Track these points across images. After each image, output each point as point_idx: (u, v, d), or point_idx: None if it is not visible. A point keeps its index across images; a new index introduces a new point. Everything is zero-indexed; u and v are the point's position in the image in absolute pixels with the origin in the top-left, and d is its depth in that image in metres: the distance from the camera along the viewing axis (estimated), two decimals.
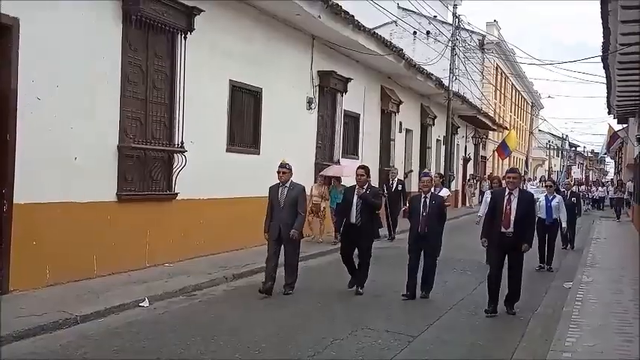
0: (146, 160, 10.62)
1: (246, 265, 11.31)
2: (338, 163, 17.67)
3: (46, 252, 8.69)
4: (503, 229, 8.62)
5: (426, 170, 10.83)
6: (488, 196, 13.05)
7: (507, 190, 8.79)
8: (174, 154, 11.11)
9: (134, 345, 6.72)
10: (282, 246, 9.49)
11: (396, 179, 17.93)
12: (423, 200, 9.67)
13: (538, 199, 13.14)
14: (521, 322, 8.32)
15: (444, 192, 13.66)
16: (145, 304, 8.43)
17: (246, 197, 12.86)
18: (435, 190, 13.60)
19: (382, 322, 8.00)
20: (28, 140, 8.35)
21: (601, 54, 14.86)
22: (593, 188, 43.19)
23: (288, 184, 9.48)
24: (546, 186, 14.69)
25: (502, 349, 7.13)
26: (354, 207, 9.76)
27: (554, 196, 13.72)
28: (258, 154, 13.96)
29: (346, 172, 15.47)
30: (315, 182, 15.42)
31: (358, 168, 10.20)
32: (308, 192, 13.35)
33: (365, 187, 9.88)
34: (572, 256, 15.37)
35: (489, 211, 9.12)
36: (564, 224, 13.80)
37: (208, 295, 9.44)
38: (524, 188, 31.44)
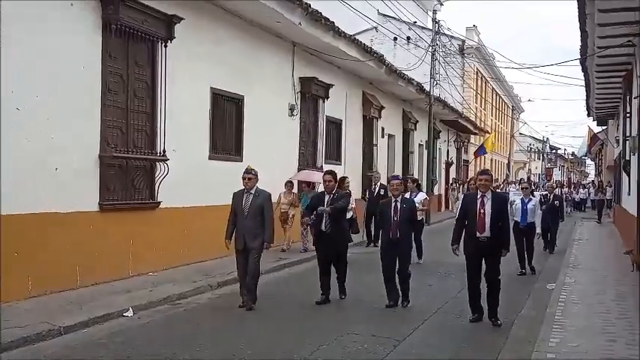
0: (128, 169, 10.58)
1: (231, 273, 11.21)
2: (320, 169, 17.68)
3: (29, 263, 8.62)
4: (477, 234, 8.26)
5: (395, 173, 10.44)
6: (461, 197, 13.13)
7: (480, 193, 8.41)
8: (157, 163, 11.08)
9: (118, 355, 6.67)
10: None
11: (378, 183, 17.55)
12: (393, 204, 9.29)
13: (514, 201, 13.23)
14: (506, 324, 8.36)
15: (421, 196, 13.84)
16: (129, 313, 8.38)
17: (229, 205, 12.79)
18: (411, 195, 13.43)
19: (367, 327, 8.00)
20: (8, 151, 8.28)
21: (579, 57, 15.01)
22: (574, 190, 43.29)
23: (253, 191, 9.06)
24: (522, 188, 14.32)
25: (487, 351, 7.16)
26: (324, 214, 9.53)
27: (530, 199, 13.36)
28: (241, 161, 13.91)
29: (316, 177, 15.29)
30: (285, 188, 14.79)
31: (325, 174, 9.95)
32: (275, 199, 13.35)
33: (333, 192, 9.65)
34: (554, 257, 15.44)
35: (460, 215, 8.79)
36: (538, 229, 13.33)
37: (193, 303, 9.41)
38: (507, 191, 31.51)
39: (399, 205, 9.26)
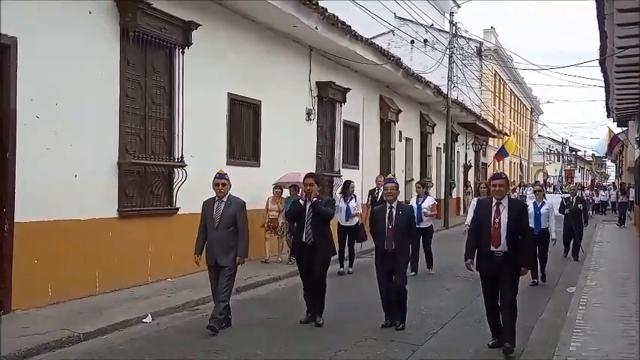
0: (146, 176, 10.63)
1: (249, 278, 11.29)
2: (338, 173, 17.66)
3: (48, 270, 8.69)
4: (492, 248, 7.09)
5: (390, 176, 10.15)
6: (475, 203, 11.94)
7: (494, 200, 7.25)
8: (175, 169, 11.13)
9: None
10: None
11: (382, 188, 16.87)
12: (388, 211, 8.32)
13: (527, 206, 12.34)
14: (526, 328, 8.29)
15: (429, 201, 13.23)
16: (148, 319, 8.42)
17: (248, 210, 12.81)
18: (418, 200, 13.19)
19: (386, 332, 7.97)
20: (27, 159, 8.37)
21: (599, 57, 14.89)
22: (595, 192, 42.64)
23: (225, 199, 8.10)
24: (535, 191, 13.33)
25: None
26: (304, 222, 8.43)
27: (544, 203, 12.34)
28: (259, 166, 13.97)
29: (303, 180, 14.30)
30: (273, 193, 13.71)
31: (305, 177, 8.63)
32: (263, 206, 13.38)
33: (316, 199, 8.48)
34: (575, 260, 15.26)
35: (473, 226, 7.70)
36: (554, 235, 12.25)
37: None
38: (524, 194, 31.06)
39: (394, 211, 8.31)
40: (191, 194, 11.30)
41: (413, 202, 13.10)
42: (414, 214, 9.21)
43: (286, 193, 13.78)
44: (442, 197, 28.02)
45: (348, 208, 12.96)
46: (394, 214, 8.29)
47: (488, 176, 42.28)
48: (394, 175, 21.82)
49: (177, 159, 11.14)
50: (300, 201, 8.57)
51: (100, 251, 9.61)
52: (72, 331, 7.49)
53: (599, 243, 18.61)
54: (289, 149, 15.12)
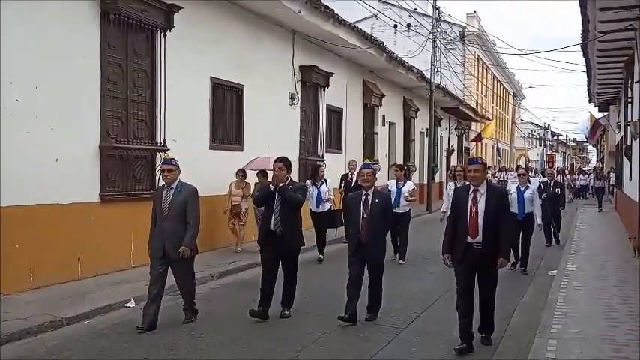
0: (128, 160, 10.56)
1: (232, 263, 11.31)
2: (322, 158, 17.64)
3: (30, 255, 8.63)
4: (469, 239, 6.60)
5: (367, 161, 9.28)
6: (451, 188, 11.82)
7: (472, 188, 6.74)
8: (157, 153, 11.06)
9: (120, 346, 6.68)
10: (170, 267, 7.56)
11: (355, 172, 14.52)
12: (363, 199, 7.78)
13: (509, 191, 11.55)
14: (507, 310, 8.36)
15: (409, 186, 12.62)
16: (131, 304, 8.40)
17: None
18: (398, 184, 12.57)
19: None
20: (8, 143, 8.28)
21: (580, 42, 14.96)
22: (576, 177, 42.85)
23: (174, 186, 7.46)
24: (519, 175, 12.75)
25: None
26: (273, 209, 7.89)
27: (527, 187, 11.72)
28: (242, 150, 13.92)
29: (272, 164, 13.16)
30: (236, 178, 12.83)
31: (275, 161, 8.08)
32: (226, 190, 12.72)
33: (284, 184, 7.93)
34: (555, 244, 15.38)
35: (451, 215, 7.02)
36: (539, 221, 11.75)
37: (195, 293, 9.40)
38: (505, 179, 31.11)
39: (369, 199, 7.76)
40: None
41: (392, 186, 12.62)
42: (391, 203, 8.58)
43: (254, 179, 12.91)
44: (425, 182, 28.14)
45: (319, 194, 12.52)
46: (370, 202, 7.74)
47: None
48: (377, 160, 21.95)
49: (160, 143, 11.07)
50: (271, 186, 8.00)
51: (82, 236, 9.55)
52: (54, 315, 7.46)
53: (580, 227, 18.78)
54: (272, 134, 15.07)
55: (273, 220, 7.82)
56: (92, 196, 9.87)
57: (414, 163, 28.07)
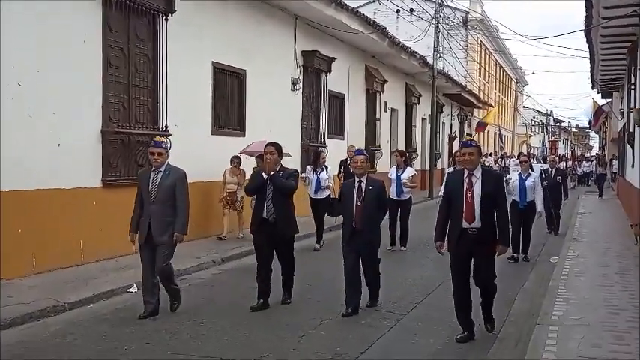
0: (130, 145, 10.55)
1: (234, 248, 11.32)
2: (324, 144, 17.59)
3: (32, 240, 8.65)
4: (465, 225, 6.39)
5: (359, 148, 9.40)
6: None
7: (466, 172, 6.51)
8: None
9: (123, 331, 6.70)
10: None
11: None
12: (357, 186, 7.61)
13: (510, 178, 11.57)
14: (508, 297, 8.38)
15: (409, 172, 12.44)
16: (134, 289, 8.41)
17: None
18: (398, 171, 12.38)
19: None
20: (10, 127, 8.26)
21: (584, 28, 14.89)
22: (578, 164, 42.60)
23: (163, 169, 7.21)
24: (520, 162, 12.36)
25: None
26: (266, 197, 7.68)
27: (529, 175, 11.49)
28: (244, 136, 13.90)
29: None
30: (231, 165, 12.60)
31: (266, 146, 7.84)
32: (220, 177, 12.52)
33: (275, 172, 7.68)
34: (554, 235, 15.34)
35: (444, 201, 6.82)
36: (539, 208, 11.50)
37: (197, 278, 9.45)
38: (507, 165, 31.00)
39: (363, 186, 7.59)
40: (176, 164, 11.13)
41: (392, 174, 12.52)
42: (386, 190, 7.95)
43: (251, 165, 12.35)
44: (427, 168, 28.12)
45: (318, 180, 12.23)
46: (363, 190, 7.57)
47: None
48: (379, 147, 21.91)
49: (162, 128, 11.05)
50: (263, 174, 7.74)
51: (85, 221, 9.56)
52: (57, 300, 7.48)
53: (582, 214, 18.78)
54: (274, 119, 15.04)
55: (265, 207, 7.65)
56: (94, 181, 9.87)
57: (415, 149, 28.03)
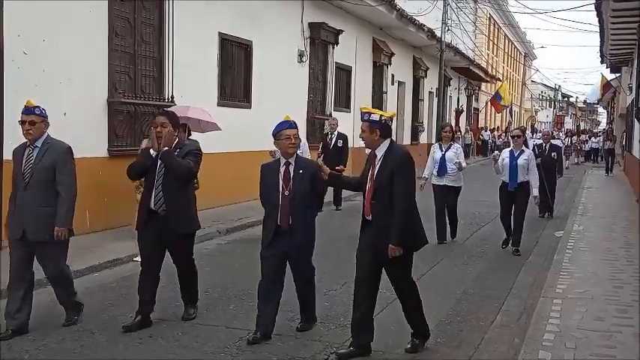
0: (136, 115, 10.55)
1: (239, 220, 11.36)
2: (330, 115, 17.50)
3: None
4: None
5: (290, 120, 5.70)
6: (434, 150, 10.38)
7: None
8: (165, 109, 11.01)
9: (128, 299, 6.74)
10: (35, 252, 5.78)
11: (336, 132, 13.54)
12: (283, 171, 5.64)
13: (498, 154, 10.09)
14: (512, 271, 8.40)
15: (455, 149, 10.30)
16: (139, 259, 8.43)
17: (238, 152, 12.83)
18: (442, 148, 10.21)
19: None
20: (15, 96, 8.24)
21: (595, 1, 14.73)
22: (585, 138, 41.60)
23: (39, 144, 5.65)
24: (512, 137, 10.38)
25: (493, 297, 7.21)
26: (154, 182, 5.88)
27: (522, 151, 9.66)
28: (250, 107, 13.87)
29: (191, 113, 9.87)
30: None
31: (157, 116, 6.07)
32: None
33: (168, 148, 5.77)
34: (563, 205, 15.27)
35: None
36: (535, 192, 9.70)
37: (202, 249, 9.44)
38: (509, 140, 30.91)
39: (291, 170, 5.64)
40: None
41: (437, 152, 10.36)
42: (320, 175, 5.53)
43: None
44: (433, 142, 28.02)
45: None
46: (291, 175, 5.62)
47: (481, 122, 42.29)
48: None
49: (167, 99, 11.04)
50: (151, 151, 5.88)
51: (91, 190, 9.57)
52: None
53: (588, 189, 18.74)
54: (280, 91, 14.98)
55: (153, 196, 5.84)
56: (100, 150, 9.89)
57: (422, 122, 27.94)
